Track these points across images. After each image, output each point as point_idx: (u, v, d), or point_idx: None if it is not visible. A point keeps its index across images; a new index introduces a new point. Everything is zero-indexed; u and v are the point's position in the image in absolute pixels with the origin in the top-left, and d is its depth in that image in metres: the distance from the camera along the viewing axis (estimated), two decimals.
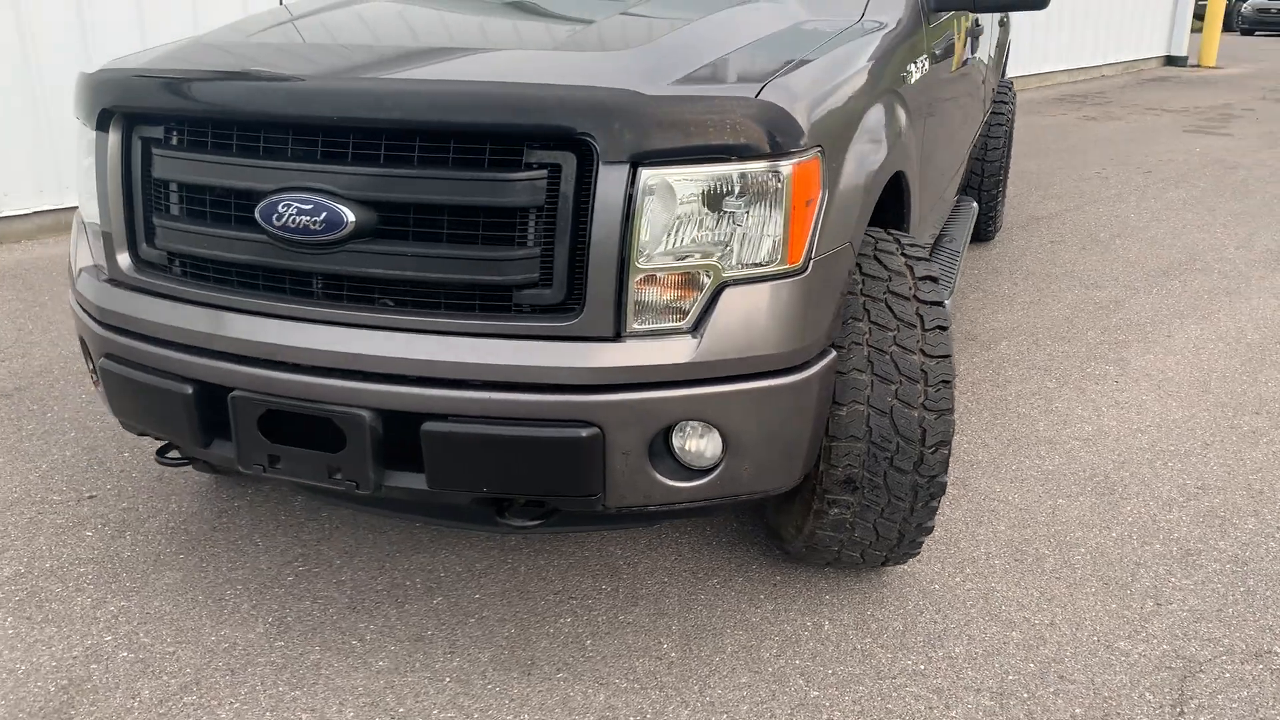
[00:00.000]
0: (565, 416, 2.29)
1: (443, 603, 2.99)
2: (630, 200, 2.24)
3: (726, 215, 2.29)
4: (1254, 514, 3.54)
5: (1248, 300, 5.89)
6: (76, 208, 2.98)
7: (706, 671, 2.69)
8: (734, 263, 2.32)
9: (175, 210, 2.60)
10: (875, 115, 2.75)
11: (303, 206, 2.34)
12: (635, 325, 2.30)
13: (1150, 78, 17.91)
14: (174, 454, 2.86)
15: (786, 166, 2.29)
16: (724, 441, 2.38)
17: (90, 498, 3.65)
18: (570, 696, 2.60)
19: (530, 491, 2.38)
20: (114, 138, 2.64)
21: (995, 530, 3.40)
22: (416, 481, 2.41)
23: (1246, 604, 3.01)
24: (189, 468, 3.02)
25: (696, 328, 2.32)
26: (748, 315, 2.34)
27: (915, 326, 2.66)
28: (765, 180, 2.29)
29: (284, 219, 2.35)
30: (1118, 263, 6.63)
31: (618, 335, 2.30)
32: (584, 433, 2.29)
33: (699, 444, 2.40)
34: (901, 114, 3.00)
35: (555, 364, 2.28)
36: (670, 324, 2.32)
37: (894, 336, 2.64)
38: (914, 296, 2.71)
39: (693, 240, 2.29)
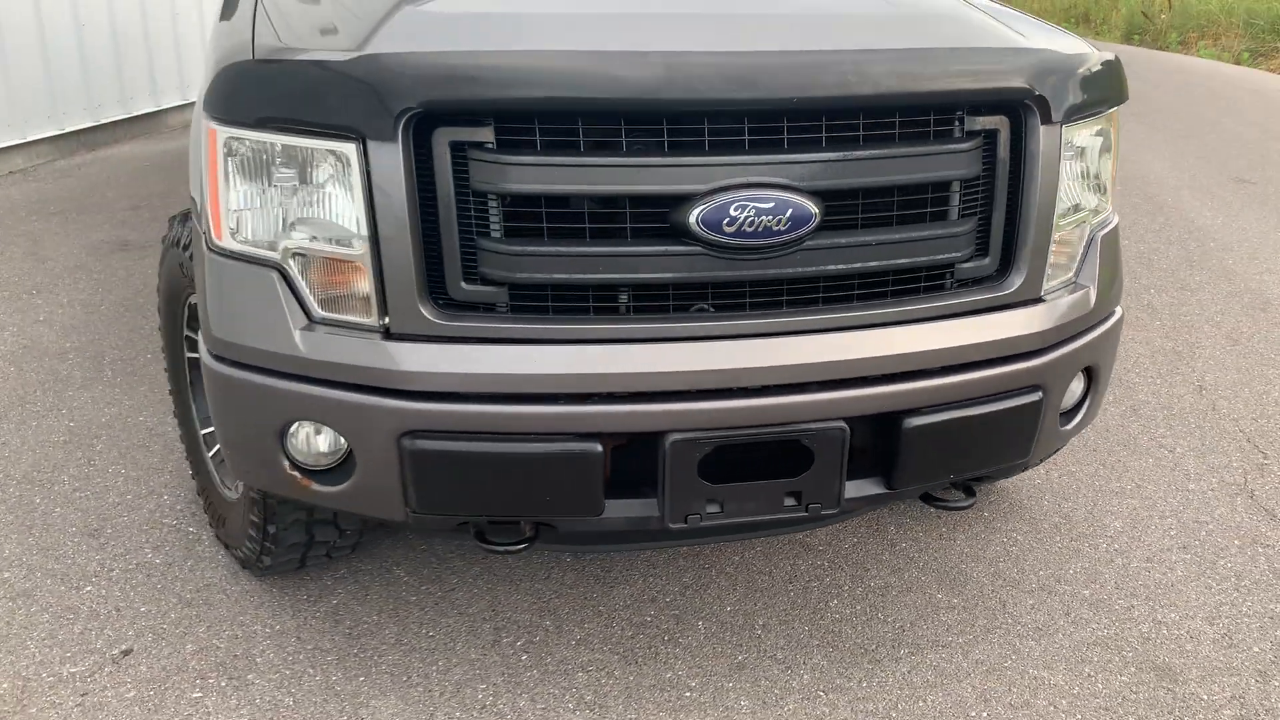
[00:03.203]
0: (1019, 385, 2.27)
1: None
2: (1057, 160, 2.25)
3: (1099, 165, 2.39)
4: None
5: None
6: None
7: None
8: (1100, 210, 2.44)
9: (521, 232, 2.02)
10: None
11: (761, 205, 1.99)
12: (1048, 285, 2.33)
13: None
14: (504, 539, 2.23)
15: None
16: (1090, 381, 2.51)
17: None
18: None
19: (981, 469, 2.32)
20: (401, 148, 1.96)
21: None
22: (871, 488, 2.22)
23: None
24: (522, 548, 2.20)
25: (1078, 278, 2.41)
26: (1111, 260, 2.48)
27: None
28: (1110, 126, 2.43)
29: (739, 222, 1.98)
30: None
31: (1040, 297, 2.31)
32: (1036, 397, 2.29)
33: (1073, 387, 2.50)
34: None
35: (1009, 335, 2.24)
36: (1066, 278, 2.37)
37: None
38: None
39: (1087, 192, 2.37)
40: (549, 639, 2.66)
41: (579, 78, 1.94)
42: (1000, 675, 2.57)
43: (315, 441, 2.19)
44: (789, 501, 2.15)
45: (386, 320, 2.04)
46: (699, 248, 2.00)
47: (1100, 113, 2.34)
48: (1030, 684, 2.54)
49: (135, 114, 7.92)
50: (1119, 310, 2.54)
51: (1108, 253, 2.46)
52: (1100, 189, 2.41)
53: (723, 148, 2.01)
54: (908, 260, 2.14)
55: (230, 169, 2.09)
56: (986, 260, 2.23)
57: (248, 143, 2.06)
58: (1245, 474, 3.53)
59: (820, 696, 2.49)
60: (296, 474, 2.19)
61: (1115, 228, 2.52)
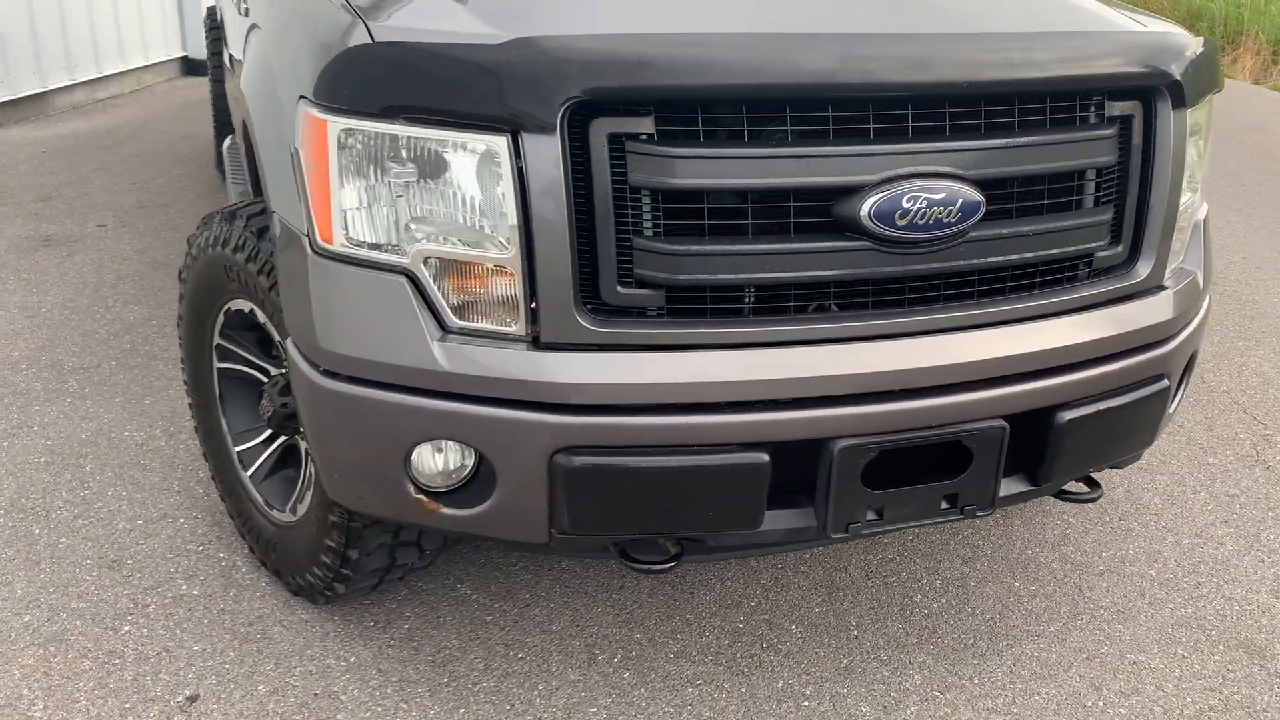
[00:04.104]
0: (1150, 374, 2.24)
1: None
2: (1184, 144, 2.22)
3: (1202, 150, 2.39)
4: None
5: None
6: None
7: None
8: (1199, 192, 2.44)
9: (679, 230, 1.87)
10: None
11: (932, 196, 1.90)
12: (1168, 270, 2.31)
13: None
14: (650, 557, 2.07)
15: None
16: (1187, 368, 2.51)
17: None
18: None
19: (1115, 460, 2.29)
20: (560, 140, 1.79)
21: None
22: (1017, 485, 2.17)
23: None
24: (670, 567, 2.01)
25: (1185, 264, 2.40)
26: (1208, 246, 2.48)
27: None
28: None
29: (911, 214, 1.88)
30: None
31: (1163, 285, 2.29)
32: (1163, 385, 2.27)
33: None
34: None
35: (1144, 324, 2.21)
36: (1177, 265, 2.36)
37: None
38: None
39: (1194, 178, 2.35)
40: (645, 653, 2.53)
41: (750, 62, 1.81)
42: (1101, 662, 2.56)
43: (436, 462, 2.01)
44: (944, 505, 2.07)
45: (535, 329, 1.87)
46: (866, 242, 1.90)
47: (1208, 97, 2.32)
48: (1132, 669, 2.54)
49: (19, 95, 7.31)
50: (1208, 297, 2.55)
51: (1206, 238, 2.46)
52: (1200, 175, 2.40)
53: (888, 135, 1.91)
54: (1057, 250, 2.08)
55: (345, 164, 1.88)
56: (1119, 248, 2.19)
57: (370, 135, 1.85)
58: (1254, 446, 3.63)
59: (938, 697, 2.43)
60: (423, 498, 1.99)
61: (1207, 213, 2.52)
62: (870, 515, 2.02)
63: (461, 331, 1.90)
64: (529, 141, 1.78)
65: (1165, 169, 2.18)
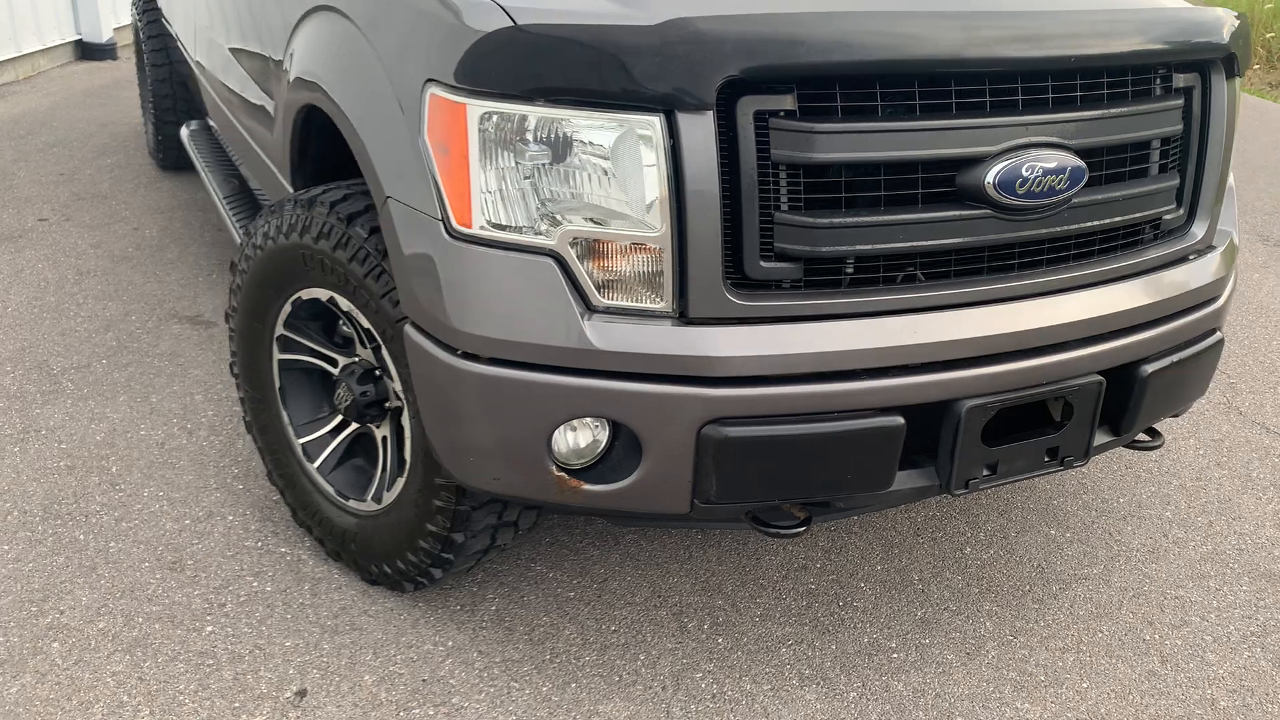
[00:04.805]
0: (1208, 328, 2.42)
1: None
2: (1234, 112, 2.39)
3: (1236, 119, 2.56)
4: None
5: None
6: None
7: None
8: None
9: (817, 203, 1.94)
10: None
11: (1046, 165, 2.01)
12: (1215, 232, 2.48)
13: None
14: (782, 523, 2.13)
15: None
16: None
17: None
18: None
19: (1178, 410, 2.45)
20: (714, 119, 1.83)
21: None
22: (1102, 437, 2.31)
23: None
24: (801, 531, 2.08)
25: (1223, 224, 2.58)
26: (1236, 210, 2.67)
27: None
28: None
29: (1029, 182, 1.99)
30: None
31: (1213, 245, 2.46)
32: (1218, 338, 2.44)
33: None
34: None
35: (1204, 281, 2.38)
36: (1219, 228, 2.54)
37: None
38: None
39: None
40: (731, 618, 2.60)
41: (888, 39, 1.89)
42: (1147, 599, 2.75)
43: (569, 440, 2.03)
44: (1047, 458, 2.20)
45: (682, 304, 1.91)
46: (987, 210, 2.00)
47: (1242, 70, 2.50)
48: (1175, 604, 2.74)
49: None
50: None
51: (1234, 202, 2.64)
52: None
53: (1004, 108, 2.01)
54: (1138, 214, 2.22)
55: (486, 148, 1.89)
56: (1181, 211, 2.35)
57: (513, 118, 1.86)
58: (1224, 393, 3.89)
59: (1012, 640, 2.58)
60: (564, 476, 2.02)
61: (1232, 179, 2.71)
62: (984, 471, 2.13)
63: (607, 310, 1.92)
64: (683, 121, 1.82)
65: (1219, 136, 2.34)
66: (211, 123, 4.42)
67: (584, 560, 2.77)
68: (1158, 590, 2.78)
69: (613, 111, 1.83)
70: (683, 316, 1.92)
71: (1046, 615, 2.67)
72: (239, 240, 3.56)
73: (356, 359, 2.53)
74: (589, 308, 1.92)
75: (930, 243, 1.99)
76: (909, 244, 1.97)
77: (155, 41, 5.36)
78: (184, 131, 4.79)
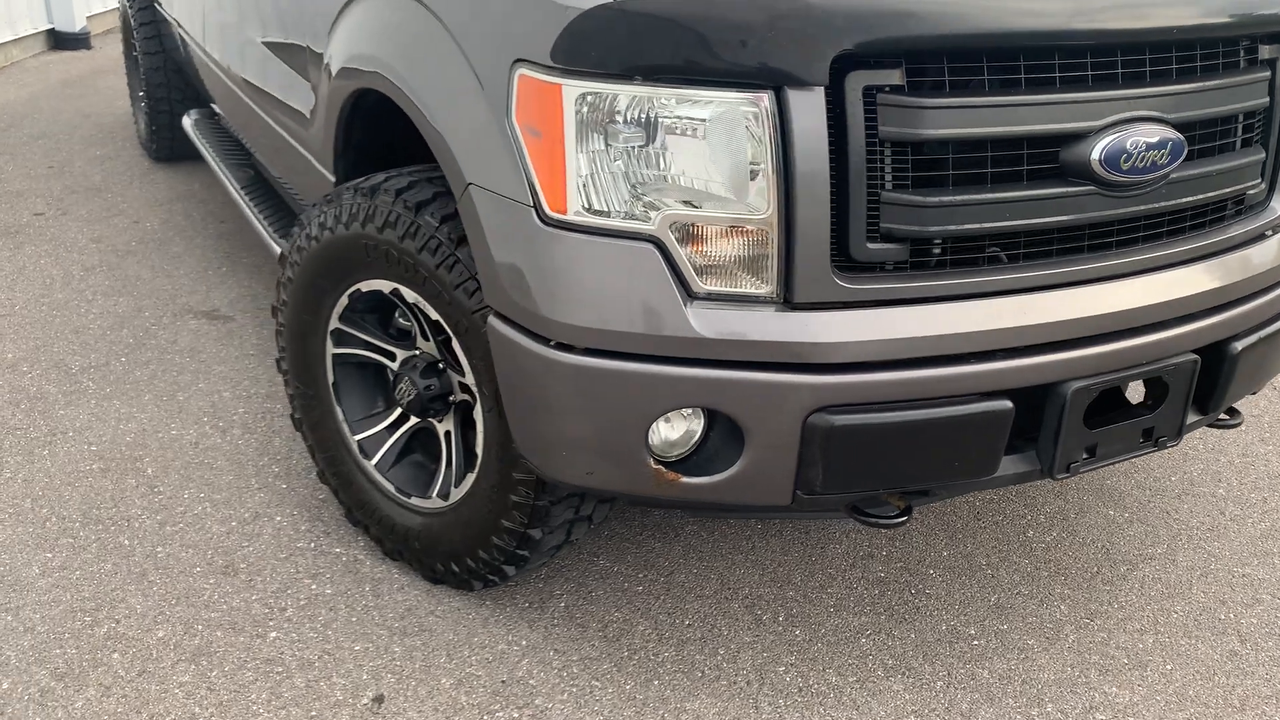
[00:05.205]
0: None
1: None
2: None
3: None
4: None
5: None
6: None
7: None
8: None
9: (919, 181, 1.88)
10: None
11: (1149, 140, 1.96)
12: None
13: None
14: (884, 512, 2.08)
15: None
16: None
17: None
18: None
19: (1262, 384, 2.43)
20: (825, 95, 1.77)
21: None
22: (1191, 415, 2.27)
23: None
24: (903, 520, 2.05)
25: None
26: None
27: None
28: None
29: (1132, 158, 1.95)
30: None
31: None
32: None
33: None
34: None
35: None
36: None
37: None
38: None
39: None
40: (805, 610, 2.55)
41: (998, 10, 1.83)
42: (1215, 578, 2.73)
43: (666, 430, 1.97)
44: (1141, 439, 2.16)
45: (787, 289, 1.85)
46: (1091, 186, 1.95)
47: None
48: (1244, 582, 2.72)
49: None
50: None
51: None
52: None
53: (1105, 82, 1.96)
54: (1229, 189, 2.18)
55: (584, 129, 1.81)
56: (1262, 185, 2.31)
57: (615, 98, 1.79)
58: None
59: (1089, 623, 2.54)
60: (661, 469, 1.95)
61: None
62: (1083, 454, 2.09)
63: (708, 296, 1.86)
64: (794, 98, 1.75)
65: None
66: (219, 110, 4.29)
67: (646, 553, 2.71)
68: (1224, 569, 2.76)
69: (718, 89, 1.76)
70: (787, 302, 1.85)
71: (1119, 597, 2.64)
72: (261, 231, 3.46)
73: (417, 352, 2.45)
74: (689, 294, 1.85)
75: (1034, 221, 1.93)
76: (1014, 223, 1.92)
77: (148, 29, 5.20)
78: (187, 121, 4.65)
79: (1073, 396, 1.99)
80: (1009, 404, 1.94)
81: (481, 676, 2.29)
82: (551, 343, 1.92)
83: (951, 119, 1.83)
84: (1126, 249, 2.07)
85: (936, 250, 1.91)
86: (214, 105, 4.53)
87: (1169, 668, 2.42)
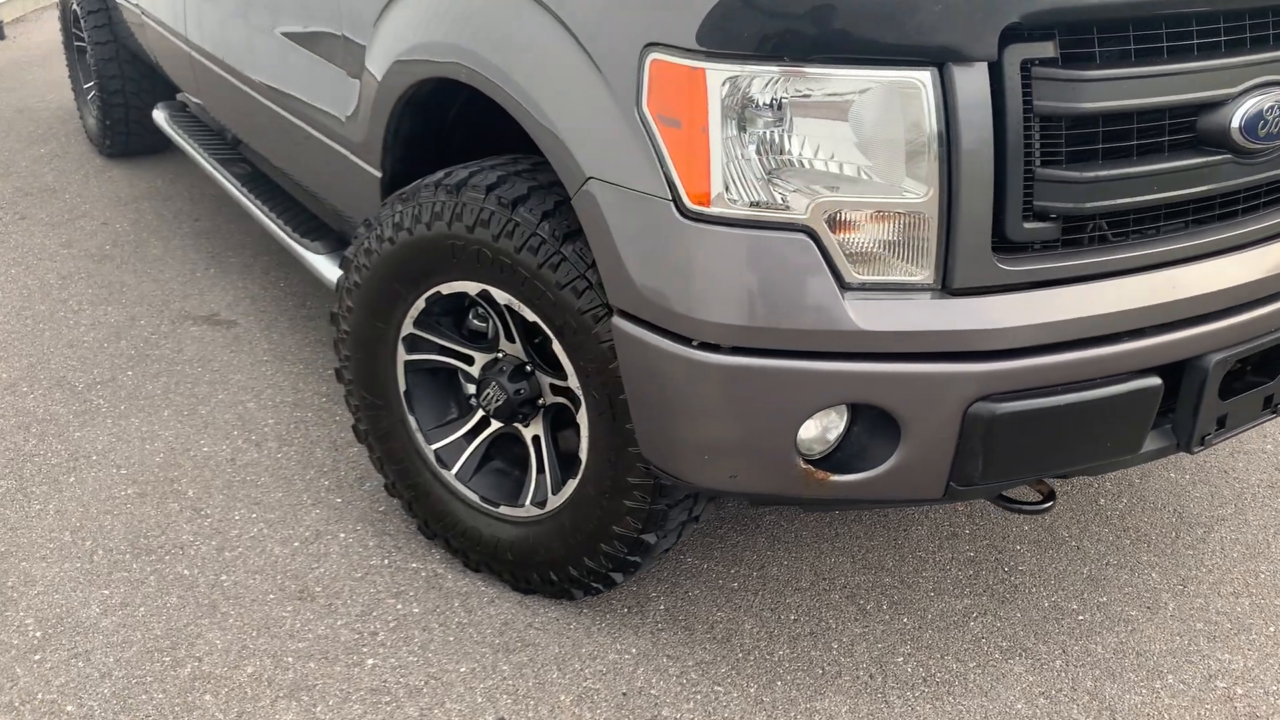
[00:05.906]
0: None
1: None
2: None
3: None
4: None
5: None
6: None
7: None
8: None
9: (1072, 156, 1.81)
10: None
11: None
12: None
13: None
14: (1030, 500, 2.02)
15: None
16: None
17: None
18: None
19: None
20: (986, 71, 1.69)
21: None
22: None
23: None
24: (1049, 506, 2.03)
25: None
26: None
27: None
28: None
29: (1269, 124, 1.91)
30: None
31: None
32: None
33: None
34: None
35: None
36: None
37: None
38: None
39: None
40: (906, 596, 2.50)
41: None
42: (1263, 558, 2.72)
43: (810, 428, 1.89)
44: (1264, 407, 2.14)
45: (945, 275, 1.78)
46: (1227, 155, 1.91)
47: None
48: None
49: None
50: None
51: None
52: None
53: (1237, 47, 1.91)
54: None
55: (731, 116, 1.71)
56: None
57: (765, 81, 1.68)
58: None
59: (1183, 589, 2.55)
60: (810, 468, 1.87)
61: None
62: (1215, 426, 2.06)
63: (862, 286, 1.78)
64: (958, 74, 1.67)
65: None
66: (198, 102, 4.04)
67: (732, 547, 2.63)
68: (1266, 554, 2.78)
69: (878, 68, 1.67)
70: (945, 288, 1.78)
71: (1204, 560, 2.65)
72: (271, 227, 3.28)
73: (500, 354, 2.32)
74: (843, 285, 1.77)
75: (1177, 193, 1.89)
76: (1159, 195, 1.87)
77: (96, 17, 4.90)
78: (159, 115, 4.39)
79: (1214, 369, 1.95)
80: (1159, 380, 1.90)
81: (601, 690, 2.19)
82: (694, 343, 1.82)
83: (1107, 91, 1.77)
84: (1251, 216, 2.04)
85: (1087, 226, 1.85)
86: (186, 97, 4.28)
87: (1271, 629, 2.43)
